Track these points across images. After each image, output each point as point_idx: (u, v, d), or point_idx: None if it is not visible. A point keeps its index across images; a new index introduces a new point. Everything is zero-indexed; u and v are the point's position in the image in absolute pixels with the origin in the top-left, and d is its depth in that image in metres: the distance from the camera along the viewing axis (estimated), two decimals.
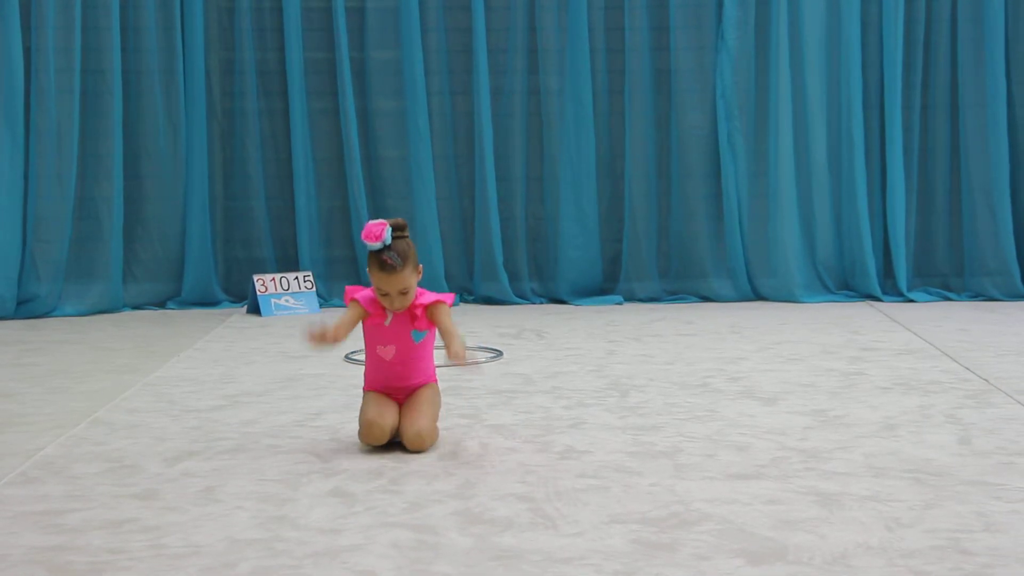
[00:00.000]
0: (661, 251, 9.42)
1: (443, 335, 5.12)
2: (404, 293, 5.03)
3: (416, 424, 5.09)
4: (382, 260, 4.97)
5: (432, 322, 5.15)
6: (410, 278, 5.04)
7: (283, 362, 7.12)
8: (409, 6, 9.07)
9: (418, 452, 5.07)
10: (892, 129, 9.22)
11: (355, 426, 5.52)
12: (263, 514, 4.35)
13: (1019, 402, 5.95)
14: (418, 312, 5.12)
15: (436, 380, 5.35)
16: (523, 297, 9.33)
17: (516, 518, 4.26)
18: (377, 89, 9.18)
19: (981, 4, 9.13)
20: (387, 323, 5.14)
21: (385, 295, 5.04)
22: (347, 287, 5.55)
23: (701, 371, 6.79)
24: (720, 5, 9.19)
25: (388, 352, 5.18)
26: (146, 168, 9.15)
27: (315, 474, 4.83)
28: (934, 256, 9.45)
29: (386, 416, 5.10)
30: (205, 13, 9.14)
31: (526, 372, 6.78)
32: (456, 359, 5.00)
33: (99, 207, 9.01)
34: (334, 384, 6.45)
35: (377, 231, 5.00)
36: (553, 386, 6.42)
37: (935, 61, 9.32)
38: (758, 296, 9.33)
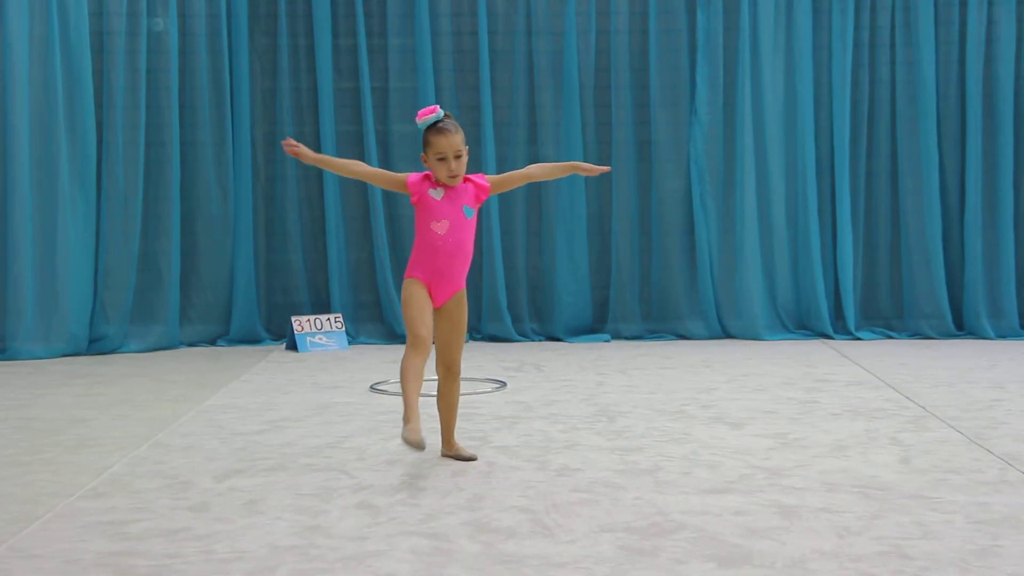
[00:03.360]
0: (643, 296, 9.41)
1: (539, 172, 5.39)
2: (459, 157, 4.89)
3: (451, 352, 5.15)
4: (439, 127, 4.88)
5: (485, 195, 5.09)
6: (463, 145, 4.94)
7: (317, 392, 7.11)
8: (426, 87, 9.10)
9: (443, 379, 5.21)
10: (841, 192, 9.24)
11: (379, 447, 5.49)
12: (299, 524, 4.34)
13: (952, 427, 5.94)
14: (470, 186, 5.03)
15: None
16: (524, 335, 9.31)
17: (518, 527, 4.25)
18: (398, 156, 9.19)
19: (916, 87, 9.18)
20: (438, 196, 4.95)
21: (442, 159, 4.89)
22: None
23: (678, 399, 6.78)
24: (693, 86, 9.22)
25: (442, 226, 4.94)
26: (200, 226, 9.16)
27: (344, 489, 4.81)
28: (878, 300, 9.44)
29: (428, 324, 4.94)
30: (251, 93, 9.18)
31: (526, 400, 6.77)
32: (587, 170, 5.33)
33: (159, 259, 9.02)
34: (361, 412, 6.44)
35: (431, 107, 4.94)
36: (550, 412, 6.41)
37: (877, 134, 9.35)
38: (727, 335, 9.31)
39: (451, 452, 5.25)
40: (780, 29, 9.23)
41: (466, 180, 5.03)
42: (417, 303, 4.95)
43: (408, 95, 9.20)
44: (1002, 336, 9.20)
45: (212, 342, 9.22)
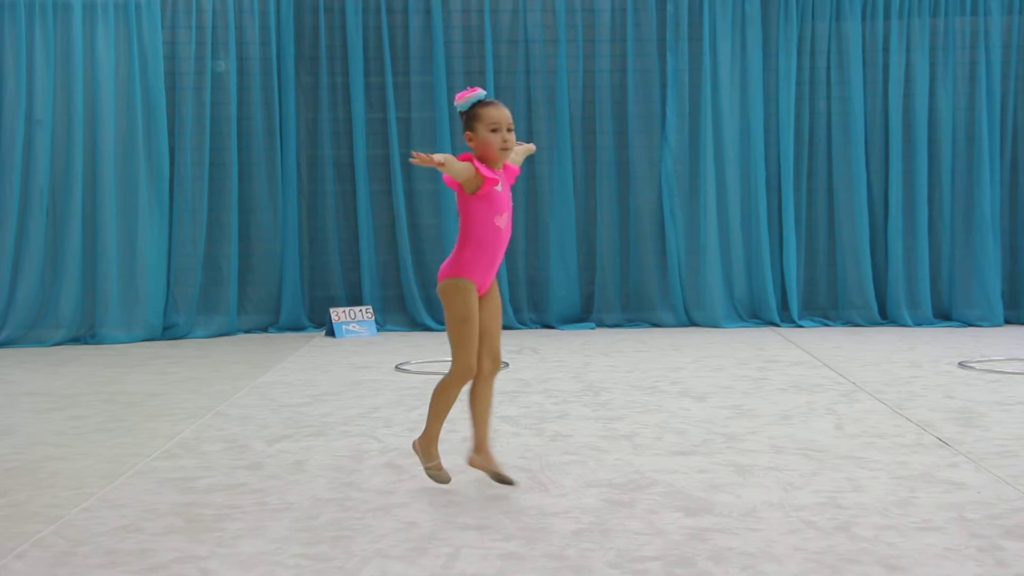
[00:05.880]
0: (622, 291, 9.41)
1: (516, 157, 4.30)
2: (511, 130, 4.00)
3: (496, 341, 4.16)
4: (487, 100, 4.03)
5: (515, 174, 4.22)
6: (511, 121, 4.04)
7: (351, 371, 7.12)
8: (441, 117, 9.10)
9: (487, 374, 4.18)
10: (786, 204, 9.24)
11: (403, 416, 5.48)
12: (337, 480, 4.36)
13: (877, 399, 5.95)
14: (512, 171, 4.19)
15: None
16: (523, 323, 9.31)
17: (518, 483, 4.26)
18: (419, 175, 9.18)
19: (847, 118, 9.17)
20: (499, 188, 4.01)
21: (496, 130, 3.97)
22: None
23: (651, 377, 6.79)
24: (663, 116, 9.21)
25: (503, 220, 4.03)
26: (254, 233, 9.17)
27: (374, 452, 4.83)
28: (816, 294, 9.44)
29: (477, 351, 4.07)
30: (296, 123, 9.17)
31: (525, 378, 6.78)
32: (529, 149, 4.46)
33: (220, 261, 9.03)
34: (387, 387, 6.46)
35: (470, 89, 4.07)
36: (545, 388, 6.42)
37: (816, 157, 9.34)
38: (692, 323, 9.30)
39: (487, 465, 4.21)
40: (735, 70, 9.22)
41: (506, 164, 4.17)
42: (475, 325, 4.05)
43: (427, 124, 9.20)
44: (918, 324, 9.19)
45: (264, 329, 9.23)
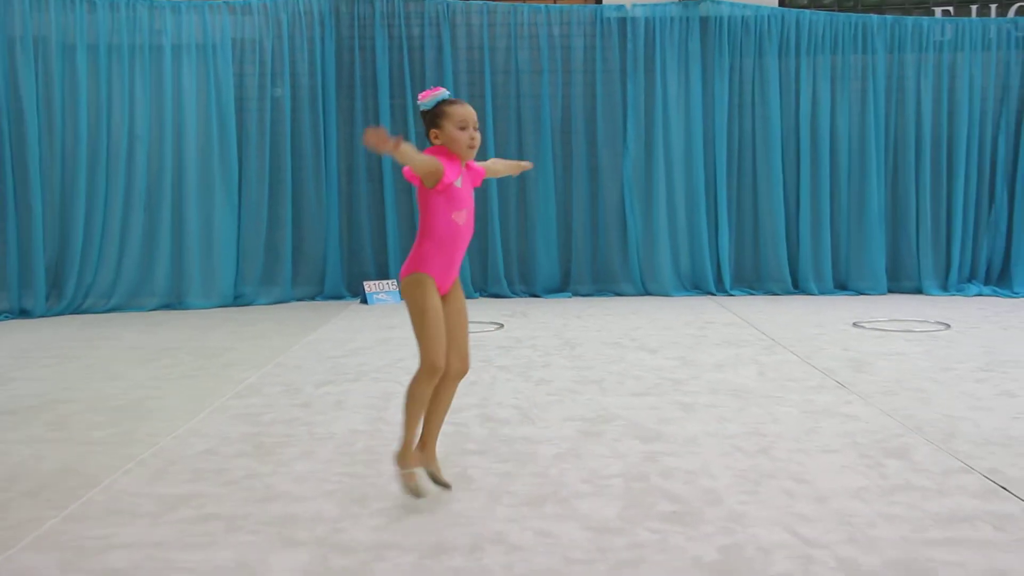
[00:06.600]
0: (593, 267, 9.39)
1: (499, 167, 3.51)
2: (477, 129, 3.13)
3: (464, 341, 3.20)
4: (452, 98, 3.14)
5: (481, 175, 3.32)
6: None
7: (380, 331, 7.12)
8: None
9: (453, 375, 3.21)
10: (720, 199, 9.21)
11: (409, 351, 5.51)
12: (370, 416, 4.36)
13: (790, 351, 5.96)
14: (475, 170, 3.29)
15: None
16: (515, 293, 9.29)
17: (511, 418, 4.27)
18: None
19: (768, 134, 9.14)
20: (459, 183, 3.09)
21: (464, 128, 3.09)
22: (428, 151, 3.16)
23: (615, 335, 6.80)
24: (625, 131, 9.17)
25: (462, 216, 3.11)
26: (304, 222, 9.12)
27: (398, 394, 4.83)
28: (744, 269, 9.43)
29: (445, 348, 3.08)
30: (337, 137, 9.11)
31: (517, 336, 6.78)
32: (525, 166, 3.60)
33: (278, 244, 8.99)
34: (409, 344, 6.44)
35: (434, 89, 3.15)
36: (532, 343, 6.43)
37: (743, 164, 9.30)
38: (647, 292, 9.29)
39: (427, 464, 3.22)
40: (681, 95, 9.18)
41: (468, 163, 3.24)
42: (437, 321, 3.05)
43: None
44: (822, 293, 9.20)
45: (312, 298, 9.19)
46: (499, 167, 3.52)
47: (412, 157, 2.93)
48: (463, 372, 3.20)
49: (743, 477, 3.37)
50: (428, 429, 3.22)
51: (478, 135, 3.13)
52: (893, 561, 2.61)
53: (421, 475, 3.01)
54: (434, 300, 3.07)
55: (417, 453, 3.19)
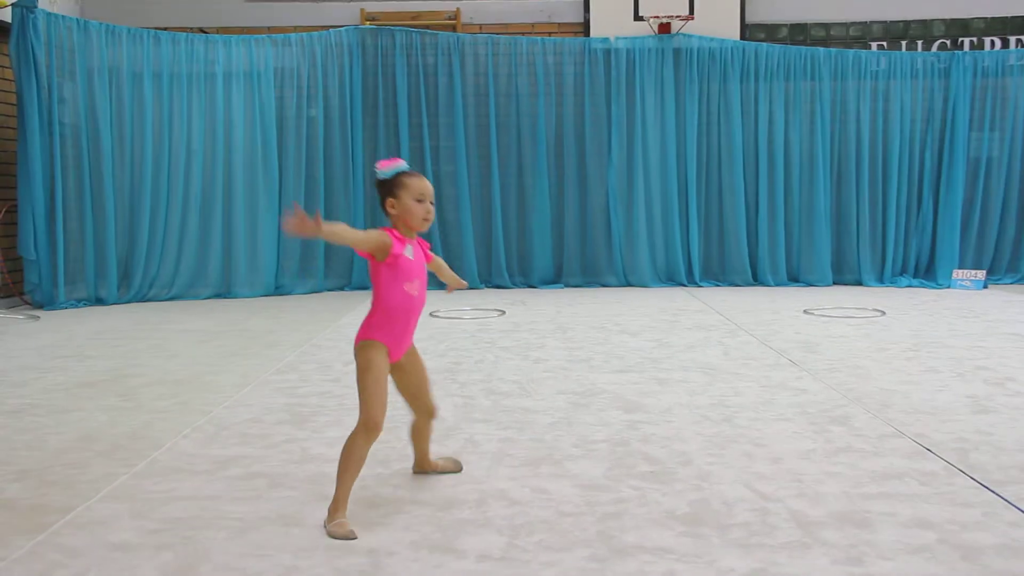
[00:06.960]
0: (583, 261, 9.38)
1: (443, 267, 3.01)
2: (433, 203, 2.71)
3: (427, 398, 2.92)
4: (411, 171, 2.73)
5: (428, 253, 2.83)
6: None
7: None
8: (459, 146, 9.03)
9: (425, 420, 2.97)
10: (691, 203, 9.20)
11: (434, 346, 5.48)
12: (391, 388, 4.36)
13: (751, 335, 5.97)
14: (424, 244, 2.81)
15: None
16: (515, 284, 9.29)
17: (512, 391, 4.29)
18: (446, 182, 9.15)
19: (732, 147, 9.13)
20: (410, 255, 2.67)
21: (420, 201, 2.67)
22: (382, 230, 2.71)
23: (601, 320, 6.81)
24: (610, 145, 9.16)
25: (415, 287, 2.68)
26: (335, 220, 9.09)
27: None
28: (712, 263, 9.42)
29: (386, 406, 2.66)
30: (363, 151, 9.08)
31: (516, 322, 6.79)
32: (460, 285, 3.06)
33: (313, 242, 8.90)
34: (425, 326, 6.45)
35: (393, 159, 2.75)
36: (530, 328, 6.44)
37: (711, 173, 9.29)
38: (629, 284, 9.29)
39: (434, 468, 3.03)
40: (657, 115, 9.15)
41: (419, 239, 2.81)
42: (381, 380, 2.65)
43: (450, 151, 9.14)
44: (778, 284, 9.20)
45: (341, 288, 9.18)
46: (443, 267, 3.01)
47: (349, 237, 2.52)
48: (432, 416, 2.94)
49: (710, 442, 3.38)
50: (420, 449, 3.01)
51: (433, 209, 2.70)
52: (836, 512, 2.63)
53: (348, 521, 2.52)
54: (379, 360, 2.65)
55: (417, 465, 3.03)
